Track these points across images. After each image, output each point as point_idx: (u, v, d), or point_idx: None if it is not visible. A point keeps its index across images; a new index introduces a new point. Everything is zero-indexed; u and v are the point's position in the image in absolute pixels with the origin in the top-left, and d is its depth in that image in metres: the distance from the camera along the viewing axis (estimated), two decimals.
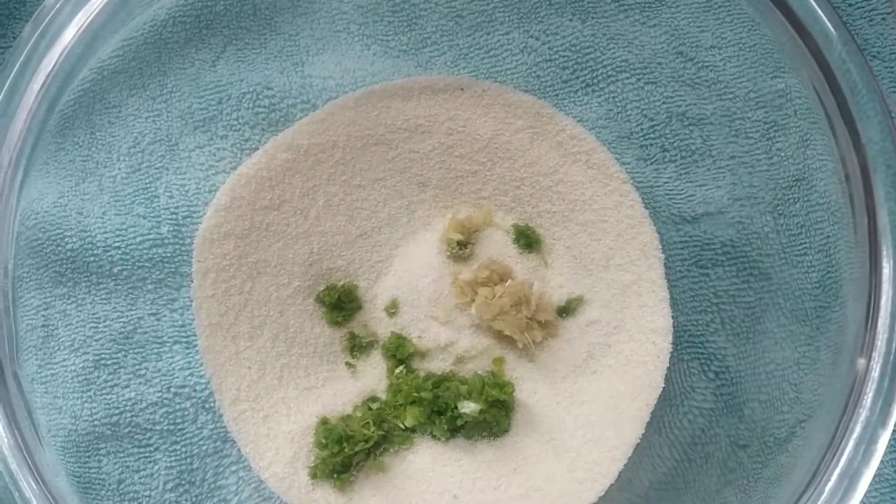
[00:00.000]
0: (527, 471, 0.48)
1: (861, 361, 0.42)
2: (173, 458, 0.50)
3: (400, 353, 0.50)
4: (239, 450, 0.51)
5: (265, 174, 0.50)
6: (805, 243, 0.50)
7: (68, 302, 0.51)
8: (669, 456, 0.47)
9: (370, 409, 0.49)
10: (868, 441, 0.40)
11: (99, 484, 0.49)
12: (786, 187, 0.51)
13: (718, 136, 0.52)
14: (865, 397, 0.41)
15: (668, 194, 0.53)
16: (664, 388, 0.49)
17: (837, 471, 0.38)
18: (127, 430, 0.51)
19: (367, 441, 0.47)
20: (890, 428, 0.41)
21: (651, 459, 0.47)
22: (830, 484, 0.38)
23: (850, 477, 0.38)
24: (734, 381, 0.50)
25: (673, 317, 0.51)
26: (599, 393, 0.49)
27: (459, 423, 0.48)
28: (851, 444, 0.39)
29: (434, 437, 0.49)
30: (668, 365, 0.49)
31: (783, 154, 0.51)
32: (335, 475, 0.47)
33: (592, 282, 0.51)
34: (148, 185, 0.53)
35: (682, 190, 0.53)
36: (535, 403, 0.49)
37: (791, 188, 0.50)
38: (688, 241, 0.52)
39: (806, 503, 0.38)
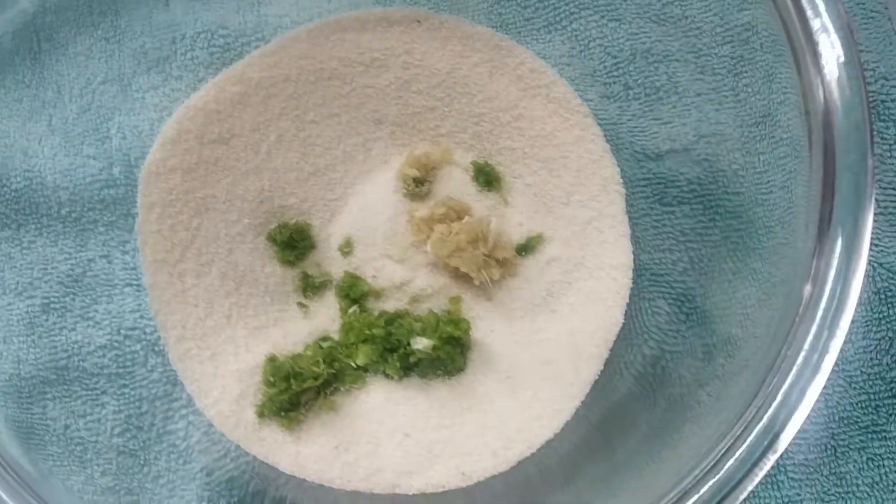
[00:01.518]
0: (482, 409, 0.46)
1: (807, 288, 0.40)
2: (122, 402, 0.49)
3: (354, 292, 0.48)
4: (189, 393, 0.49)
5: (213, 107, 0.49)
6: (771, 181, 0.48)
7: (13, 245, 0.49)
8: (628, 393, 0.45)
9: (321, 347, 0.47)
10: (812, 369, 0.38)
11: (43, 429, 0.48)
12: (752, 124, 0.49)
13: (684, 72, 0.51)
14: (809, 323, 0.39)
15: (631, 131, 0.52)
16: (625, 326, 0.48)
17: (784, 387, 0.36)
18: (74, 375, 0.49)
19: (316, 378, 0.46)
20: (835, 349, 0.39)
21: (609, 396, 0.45)
22: (776, 401, 0.36)
23: (798, 393, 0.36)
24: (697, 320, 0.48)
25: (635, 255, 0.50)
26: (558, 331, 0.48)
27: (413, 360, 0.46)
28: (795, 367, 0.37)
29: (387, 375, 0.47)
30: (627, 301, 0.48)
31: (750, 90, 0.49)
32: (283, 413, 0.46)
33: (552, 219, 0.50)
34: (99, 126, 0.52)
35: (646, 127, 0.52)
36: (492, 342, 0.48)
37: (758, 125, 0.49)
38: (651, 178, 0.51)
39: (758, 422, 0.36)
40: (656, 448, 0.41)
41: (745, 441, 0.36)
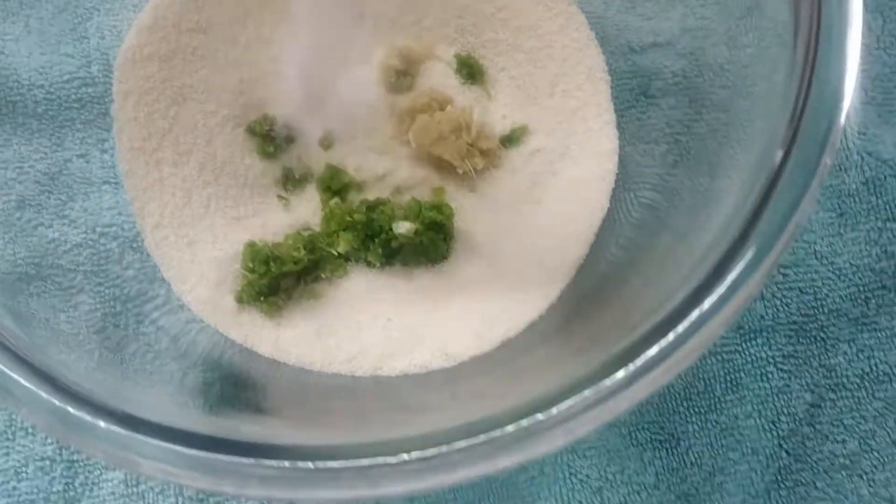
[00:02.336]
0: (466, 294, 0.45)
1: (779, 153, 0.39)
2: (97, 301, 0.47)
3: (335, 184, 0.48)
4: (167, 290, 0.48)
5: None
6: (756, 73, 0.48)
7: None
8: (610, 275, 0.45)
9: (301, 235, 0.46)
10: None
11: (30, 317, 0.47)
12: (738, 17, 0.49)
13: None
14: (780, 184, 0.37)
15: (616, 26, 0.51)
16: (610, 212, 0.47)
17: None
18: (49, 272, 0.48)
19: (296, 263, 0.45)
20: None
21: (592, 277, 0.45)
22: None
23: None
24: (683, 209, 0.47)
25: (620, 146, 0.49)
26: (543, 218, 0.47)
27: (395, 245, 0.45)
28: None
29: (369, 264, 0.46)
30: (612, 186, 0.47)
31: None
32: (262, 298, 0.45)
33: (537, 110, 0.49)
34: (77, 26, 0.51)
35: (629, 22, 0.51)
36: (477, 231, 0.47)
37: (744, 18, 0.48)
38: (636, 70, 0.50)
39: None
40: (632, 319, 0.40)
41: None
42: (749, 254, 0.31)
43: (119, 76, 0.47)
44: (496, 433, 0.29)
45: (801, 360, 0.48)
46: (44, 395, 0.32)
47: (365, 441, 0.30)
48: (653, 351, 0.30)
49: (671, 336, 0.30)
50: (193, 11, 0.48)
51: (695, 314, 0.30)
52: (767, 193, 0.35)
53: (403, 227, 0.45)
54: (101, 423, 0.31)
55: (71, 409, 0.31)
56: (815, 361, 0.48)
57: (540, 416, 0.29)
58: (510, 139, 0.49)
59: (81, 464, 0.47)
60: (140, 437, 0.31)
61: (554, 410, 0.29)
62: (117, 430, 0.31)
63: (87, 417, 0.31)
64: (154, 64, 0.47)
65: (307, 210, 0.48)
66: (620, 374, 0.30)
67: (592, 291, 0.43)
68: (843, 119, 0.35)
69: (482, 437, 0.29)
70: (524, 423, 0.30)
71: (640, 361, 0.30)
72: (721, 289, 0.30)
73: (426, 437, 0.30)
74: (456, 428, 0.29)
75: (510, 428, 0.29)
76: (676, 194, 0.46)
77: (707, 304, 0.30)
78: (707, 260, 0.32)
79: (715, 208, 0.43)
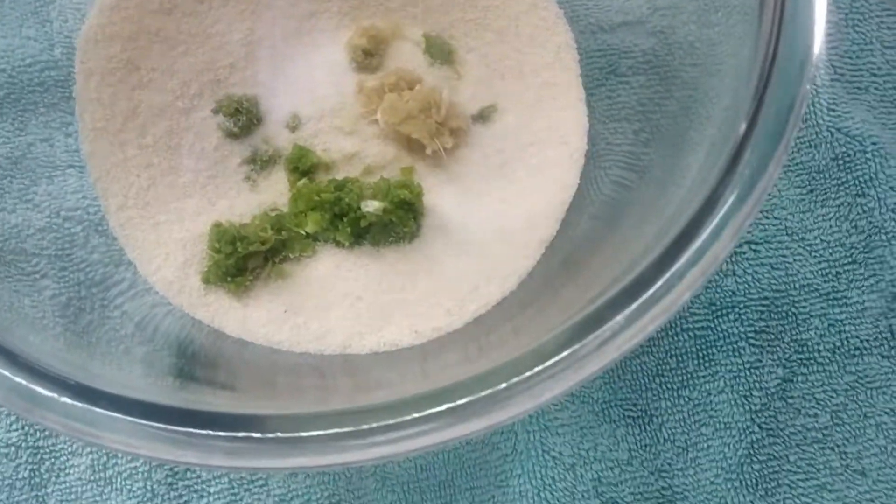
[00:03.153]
0: (436, 272, 0.45)
1: (742, 125, 0.39)
2: (62, 285, 0.47)
3: (302, 164, 0.47)
4: (133, 273, 0.47)
5: None
6: (724, 51, 0.48)
7: None
8: (580, 250, 0.44)
9: (268, 215, 0.46)
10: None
11: None
12: None
13: None
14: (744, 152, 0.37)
15: (584, 5, 0.51)
16: (579, 190, 0.47)
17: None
18: (11, 257, 0.47)
19: (263, 243, 0.44)
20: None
21: (561, 254, 0.44)
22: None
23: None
24: (652, 185, 0.47)
25: (590, 124, 0.48)
26: (513, 196, 0.47)
27: (363, 224, 0.45)
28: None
29: (337, 243, 0.46)
30: (583, 164, 0.47)
31: None
32: (229, 279, 0.44)
33: (506, 89, 0.49)
34: (38, 10, 0.50)
35: (598, 2, 0.51)
36: (446, 210, 0.47)
37: None
38: (605, 49, 0.50)
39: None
40: (598, 289, 0.40)
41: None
42: (715, 220, 0.31)
43: (81, 56, 0.46)
44: (462, 400, 0.29)
45: (772, 336, 0.48)
46: (2, 370, 0.32)
47: (330, 410, 0.29)
48: (619, 316, 0.30)
49: (638, 301, 0.30)
50: None
51: (661, 280, 0.30)
52: (733, 161, 0.35)
53: (372, 206, 0.44)
54: (60, 397, 0.30)
55: (29, 384, 0.31)
56: (786, 336, 0.48)
57: (505, 384, 0.29)
58: (480, 118, 0.49)
59: (48, 450, 0.46)
60: (99, 410, 0.30)
61: (519, 378, 0.29)
62: (76, 403, 0.30)
63: (45, 392, 0.31)
64: (117, 44, 0.46)
65: (275, 191, 0.48)
66: (589, 339, 0.29)
67: (561, 266, 0.43)
68: (807, 85, 0.35)
69: (447, 405, 0.29)
70: (489, 390, 0.29)
71: (605, 326, 0.29)
72: (688, 253, 0.30)
73: (392, 406, 0.29)
74: (422, 395, 0.29)
75: (479, 393, 0.29)
76: (646, 171, 0.46)
77: (674, 268, 0.30)
78: (674, 226, 0.32)
79: (682, 181, 0.43)
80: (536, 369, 0.29)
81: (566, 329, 0.30)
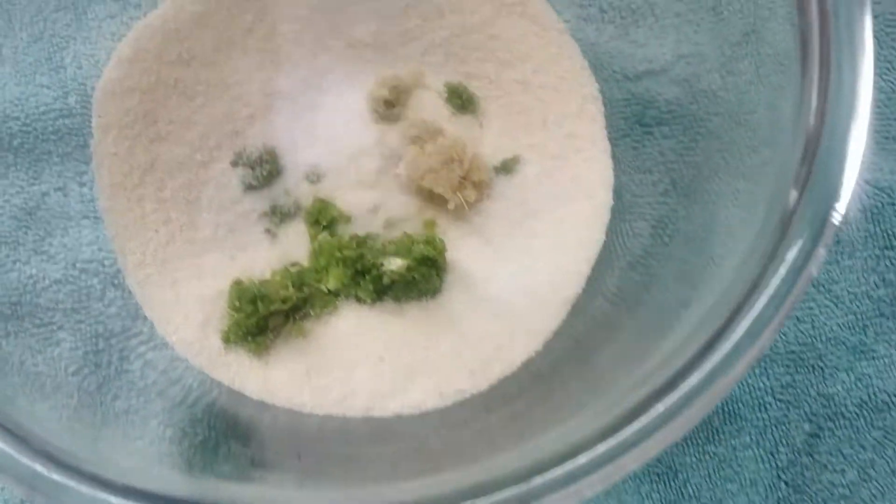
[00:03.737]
0: (459, 330, 0.44)
1: (793, 193, 0.38)
2: (78, 339, 0.46)
3: (323, 217, 0.46)
4: (150, 327, 0.46)
5: (172, 26, 0.46)
6: (754, 100, 0.47)
7: None
8: (608, 311, 0.44)
9: (289, 272, 0.45)
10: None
11: (2, 361, 0.45)
12: (735, 43, 0.48)
13: None
14: (795, 226, 0.36)
15: (608, 52, 0.50)
16: (605, 245, 0.46)
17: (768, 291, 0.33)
18: (27, 310, 0.46)
19: (284, 301, 0.43)
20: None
21: (589, 314, 0.44)
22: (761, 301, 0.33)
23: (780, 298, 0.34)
24: (679, 240, 0.47)
25: (616, 176, 0.48)
26: (537, 251, 0.46)
27: (386, 281, 0.44)
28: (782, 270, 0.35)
29: (359, 300, 0.45)
30: (608, 219, 0.46)
31: (732, 7, 0.48)
32: (250, 338, 0.44)
33: (530, 140, 0.48)
34: (52, 55, 0.49)
35: (622, 49, 0.50)
36: (469, 265, 0.46)
37: (740, 44, 0.48)
38: (629, 99, 0.49)
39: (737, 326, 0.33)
40: (634, 366, 0.39)
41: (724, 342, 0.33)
42: (760, 306, 0.30)
43: (98, 110, 0.45)
44: (500, 496, 0.28)
45: (799, 390, 0.47)
46: (12, 452, 0.31)
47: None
48: (661, 407, 0.29)
49: (680, 392, 0.29)
50: (175, 42, 0.46)
51: (706, 367, 0.29)
52: (780, 238, 0.34)
53: (395, 264, 0.43)
54: (71, 483, 0.30)
55: (39, 468, 0.30)
56: (813, 391, 0.47)
57: (540, 480, 0.28)
58: (503, 169, 0.48)
59: None
60: (112, 498, 0.29)
61: (559, 471, 0.28)
62: (87, 490, 0.29)
63: (56, 477, 0.30)
64: (135, 97, 0.46)
65: (294, 245, 0.47)
66: (629, 430, 0.29)
67: (590, 330, 0.42)
68: (860, 160, 0.34)
69: (484, 500, 0.28)
70: (530, 483, 0.28)
71: (649, 418, 0.29)
72: (728, 346, 0.29)
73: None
74: (456, 491, 0.28)
75: (518, 487, 0.28)
76: (675, 228, 0.45)
77: (717, 357, 0.29)
78: (714, 313, 0.31)
79: (719, 247, 0.42)
80: (577, 462, 0.28)
81: (607, 419, 0.29)
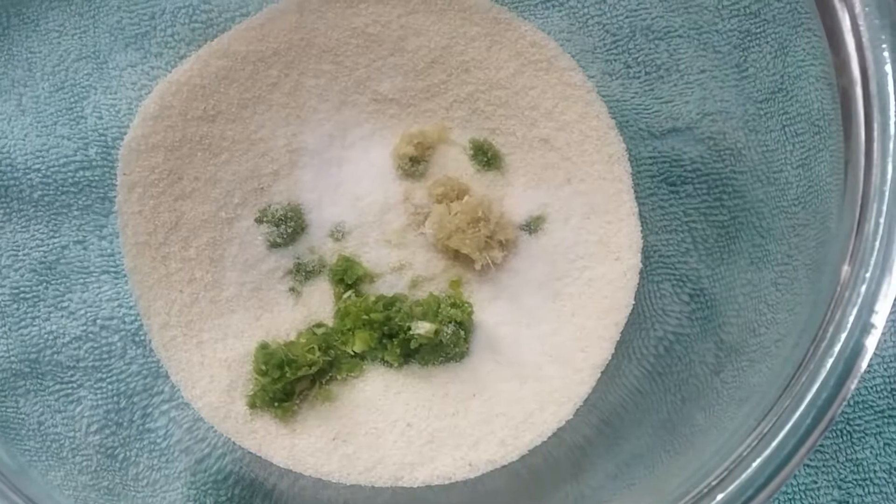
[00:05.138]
0: (487, 395, 0.44)
1: (846, 268, 0.37)
2: (99, 397, 0.45)
3: (348, 276, 0.46)
4: (172, 386, 0.46)
5: (198, 82, 0.46)
6: (782, 159, 0.47)
7: None
8: (639, 379, 0.43)
9: (315, 334, 0.44)
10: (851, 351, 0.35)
11: (18, 424, 0.44)
12: (760, 101, 0.48)
13: (686, 49, 0.49)
14: (849, 306, 0.36)
15: (634, 109, 0.50)
16: (635, 309, 0.46)
17: (815, 386, 0.33)
18: (47, 368, 0.46)
19: (311, 366, 0.43)
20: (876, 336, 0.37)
21: (620, 382, 0.43)
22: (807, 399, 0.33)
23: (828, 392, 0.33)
24: (709, 303, 0.46)
25: (643, 236, 0.47)
26: (565, 314, 0.45)
27: (413, 346, 0.43)
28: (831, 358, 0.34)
29: (385, 363, 0.45)
30: (637, 282, 0.45)
31: (758, 65, 0.47)
32: (276, 404, 0.43)
33: (556, 199, 0.48)
34: (73, 105, 0.49)
35: (648, 105, 0.50)
36: (496, 326, 0.45)
37: (766, 101, 0.47)
38: (656, 157, 0.49)
39: (788, 419, 0.33)
40: (669, 440, 0.39)
41: (772, 440, 0.32)
42: (811, 394, 0.30)
43: (123, 167, 0.45)
44: None
45: (828, 455, 0.47)
46: None
47: None
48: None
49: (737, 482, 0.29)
50: (201, 99, 0.46)
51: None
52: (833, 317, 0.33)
53: (423, 328, 0.43)
54: None
55: None
56: (841, 456, 0.47)
57: None
58: (529, 228, 0.47)
59: None
60: None
61: None
62: None
63: None
64: (160, 154, 0.45)
65: (319, 303, 0.47)
66: None
67: (624, 401, 0.42)
68: None
69: None
70: None
71: None
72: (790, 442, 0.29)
73: None
74: None
75: None
76: (709, 289, 0.45)
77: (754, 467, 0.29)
78: (763, 398, 0.31)
79: (754, 313, 0.42)
80: None
81: None
